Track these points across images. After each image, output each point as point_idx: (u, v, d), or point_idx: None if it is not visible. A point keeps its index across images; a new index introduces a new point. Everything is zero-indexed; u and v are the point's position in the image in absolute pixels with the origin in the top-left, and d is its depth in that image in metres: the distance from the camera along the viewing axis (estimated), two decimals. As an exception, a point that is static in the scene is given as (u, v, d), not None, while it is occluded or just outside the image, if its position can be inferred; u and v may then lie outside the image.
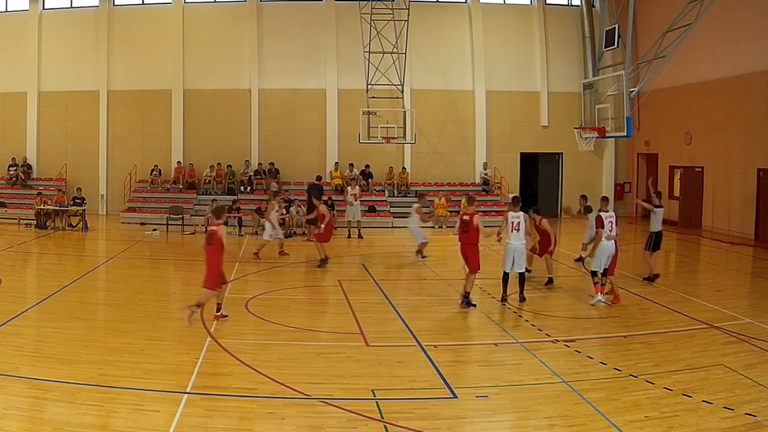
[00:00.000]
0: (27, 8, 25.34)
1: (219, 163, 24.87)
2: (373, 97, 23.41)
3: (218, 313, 10.06)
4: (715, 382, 7.57)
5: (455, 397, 7.20)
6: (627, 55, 18.79)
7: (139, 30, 25.39)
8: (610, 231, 11.28)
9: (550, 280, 13.22)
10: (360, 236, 20.32)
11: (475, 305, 11.25)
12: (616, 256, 11.48)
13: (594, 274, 11.41)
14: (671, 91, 22.56)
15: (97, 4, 25.41)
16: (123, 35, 25.35)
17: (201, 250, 10.02)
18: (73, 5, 25.77)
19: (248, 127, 25.43)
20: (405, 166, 25.56)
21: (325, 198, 21.40)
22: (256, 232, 20.61)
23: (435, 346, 8.95)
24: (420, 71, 25.31)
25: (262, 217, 20.57)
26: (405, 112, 23.92)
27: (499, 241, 11.90)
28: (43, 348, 8.51)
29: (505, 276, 11.56)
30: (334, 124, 25.44)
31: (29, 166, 25.14)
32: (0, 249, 16.91)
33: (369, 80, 23.36)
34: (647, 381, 7.58)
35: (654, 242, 13.27)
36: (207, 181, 24.73)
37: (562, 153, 26.15)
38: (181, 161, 25.03)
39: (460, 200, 22.25)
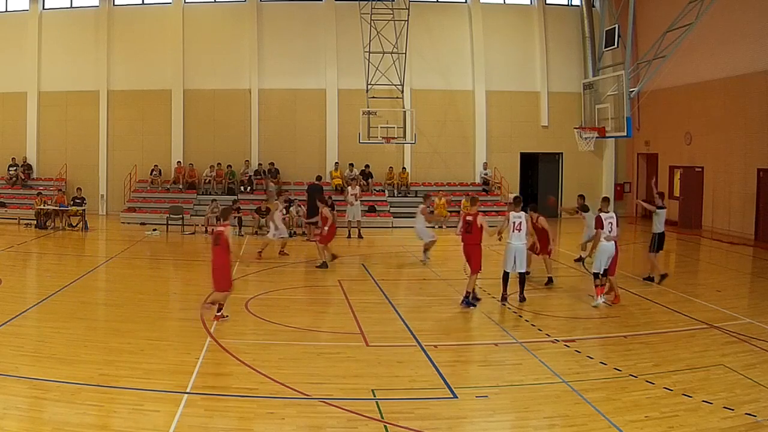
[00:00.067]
0: (27, 8, 25.34)
1: (219, 163, 24.87)
2: (373, 97, 23.41)
3: (218, 313, 10.07)
4: (715, 382, 7.57)
5: (455, 397, 7.20)
6: (627, 55, 18.78)
7: (139, 30, 25.39)
8: (610, 232, 11.27)
9: (550, 280, 13.23)
10: (360, 236, 20.32)
11: (475, 305, 11.26)
12: (616, 256, 11.47)
13: (596, 276, 11.39)
14: (671, 91, 22.56)
15: (97, 4, 25.40)
16: (123, 35, 25.36)
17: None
18: (73, 5, 25.77)
19: (248, 127, 25.43)
20: (405, 166, 25.56)
21: (325, 198, 21.41)
22: (256, 232, 20.63)
23: (435, 346, 8.95)
24: (420, 71, 25.31)
25: (262, 217, 20.62)
26: (405, 112, 23.92)
27: (499, 239, 11.90)
28: (43, 348, 8.51)
29: (505, 275, 11.57)
30: (334, 124, 25.44)
31: (29, 166, 25.14)
32: (0, 249, 16.91)
33: (369, 80, 23.36)
34: (647, 381, 7.58)
35: (658, 243, 13.22)
36: (207, 181, 24.73)
37: (562, 153, 26.16)
38: (181, 161, 25.03)
39: (460, 200, 22.60)
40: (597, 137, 20.29)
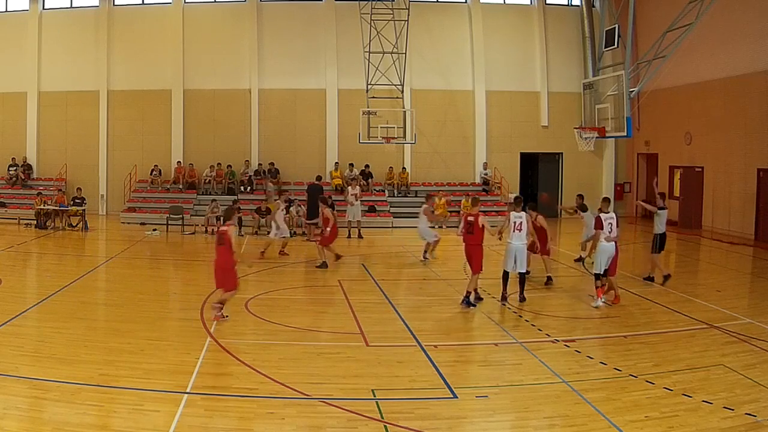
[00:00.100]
0: (27, 8, 25.34)
1: (219, 163, 24.88)
2: (373, 97, 23.41)
3: (218, 313, 10.07)
4: (715, 382, 7.57)
5: (455, 397, 7.20)
6: (627, 55, 18.79)
7: (139, 30, 25.39)
8: (610, 232, 11.27)
9: (549, 279, 13.24)
10: (360, 236, 20.32)
11: (475, 305, 11.26)
12: (616, 257, 11.46)
13: (597, 277, 11.38)
14: (671, 91, 22.57)
15: (97, 4, 25.41)
16: (123, 35, 25.36)
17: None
18: (73, 5, 25.78)
19: (248, 127, 25.43)
20: (405, 166, 25.57)
21: (321, 197, 21.40)
22: (256, 232, 20.62)
23: (435, 346, 8.95)
24: (420, 71, 25.31)
25: (262, 217, 20.62)
26: (405, 112, 23.93)
27: (500, 239, 11.89)
28: (43, 348, 8.51)
29: (505, 275, 11.58)
30: (334, 124, 25.45)
31: (29, 166, 25.14)
32: (0, 249, 16.91)
33: (369, 80, 23.36)
34: (647, 381, 7.58)
35: (659, 244, 13.19)
36: (207, 181, 24.74)
37: (562, 153, 26.16)
38: (181, 161, 25.03)
39: (460, 200, 22.59)
40: (597, 137, 20.30)
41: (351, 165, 24.67)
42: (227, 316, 10.13)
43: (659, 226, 13.23)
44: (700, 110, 22.14)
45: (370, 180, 24.67)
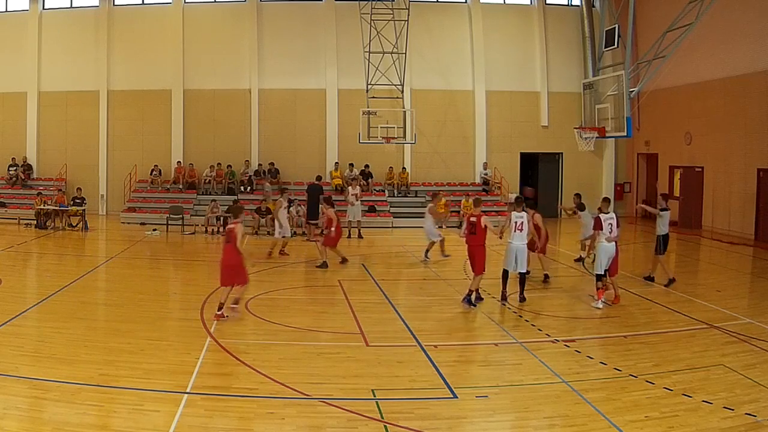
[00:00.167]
0: (27, 8, 25.35)
1: (219, 163, 24.88)
2: (373, 97, 23.41)
3: (219, 312, 10.09)
4: (715, 382, 7.57)
5: (455, 397, 7.20)
6: (627, 55, 18.78)
7: (139, 30, 25.40)
8: (610, 233, 11.27)
9: (546, 277, 13.27)
10: (360, 236, 20.32)
11: (475, 305, 11.26)
12: (616, 257, 11.47)
13: (599, 278, 11.36)
14: (671, 91, 22.57)
15: (97, 4, 25.41)
16: (123, 35, 25.36)
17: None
18: (73, 5, 25.78)
19: (248, 127, 25.43)
20: (405, 166, 25.57)
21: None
22: (256, 232, 20.62)
23: (435, 346, 8.95)
24: (420, 71, 25.31)
25: (263, 217, 20.62)
26: (405, 112, 23.92)
27: (500, 237, 11.89)
28: (43, 348, 8.51)
29: (505, 274, 11.58)
30: (334, 124, 25.45)
31: (29, 166, 25.14)
32: (0, 249, 16.91)
33: (369, 80, 23.36)
34: (647, 381, 7.58)
35: (663, 245, 13.16)
36: (207, 181, 24.74)
37: (562, 153, 26.16)
38: (181, 161, 25.03)
39: (460, 200, 22.58)
40: (597, 137, 20.29)
41: (351, 165, 24.67)
42: (227, 316, 10.13)
43: (662, 227, 13.19)
44: (700, 110, 22.14)
45: (370, 180, 24.67)
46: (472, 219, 11.36)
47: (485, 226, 11.22)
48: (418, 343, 9.14)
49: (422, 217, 23.05)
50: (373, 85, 23.40)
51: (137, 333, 9.38)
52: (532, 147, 26.27)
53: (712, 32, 20.06)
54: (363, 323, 10.14)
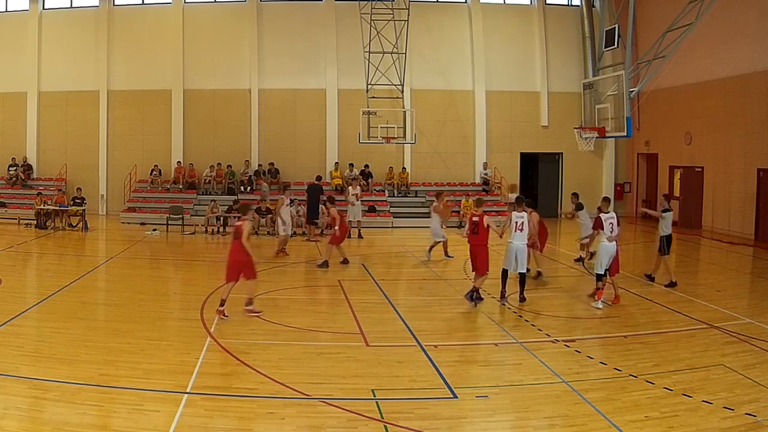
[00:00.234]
0: (27, 8, 25.35)
1: (219, 163, 24.88)
2: (373, 97, 23.41)
3: (221, 308, 10.12)
4: (715, 382, 7.57)
5: (455, 397, 7.20)
6: (627, 55, 18.77)
7: (139, 30, 25.40)
8: (611, 232, 11.26)
9: (539, 274, 13.29)
10: (360, 236, 20.31)
11: (475, 305, 11.28)
12: (617, 256, 11.46)
13: (599, 278, 11.35)
14: (671, 91, 22.56)
15: (97, 4, 25.41)
16: (123, 35, 25.37)
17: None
18: (73, 5, 25.78)
19: (248, 127, 25.43)
20: (405, 166, 25.57)
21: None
22: (256, 231, 20.58)
23: (435, 346, 8.95)
24: (420, 71, 25.31)
25: (262, 218, 20.62)
26: (405, 112, 23.92)
27: (501, 236, 11.89)
28: (43, 348, 8.51)
29: (504, 273, 11.59)
30: (334, 124, 25.45)
31: (29, 166, 25.14)
32: (0, 249, 16.91)
33: (369, 80, 23.36)
34: (647, 381, 7.58)
35: (667, 246, 13.09)
36: (207, 181, 24.74)
37: (562, 153, 26.16)
38: (181, 161, 25.03)
39: (459, 200, 22.58)
40: (597, 137, 20.28)
41: (351, 165, 24.67)
42: (227, 316, 10.13)
43: (664, 228, 13.16)
44: (700, 110, 22.14)
45: (370, 180, 24.67)
46: (475, 219, 11.39)
47: (487, 226, 11.27)
48: (418, 343, 9.14)
49: (421, 217, 23.33)
50: (373, 85, 23.40)
51: (137, 333, 9.38)
52: (532, 147, 26.28)
53: (712, 32, 20.06)
54: (363, 323, 10.14)
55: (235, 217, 21.00)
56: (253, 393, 7.24)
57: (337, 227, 15.11)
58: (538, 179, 26.76)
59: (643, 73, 18.81)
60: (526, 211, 11.85)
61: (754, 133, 19.80)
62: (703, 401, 6.94)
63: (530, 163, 26.65)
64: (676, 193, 23.55)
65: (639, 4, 21.39)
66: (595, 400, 6.98)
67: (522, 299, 11.51)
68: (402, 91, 24.11)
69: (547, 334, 9.66)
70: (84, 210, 21.61)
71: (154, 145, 25.33)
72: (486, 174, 25.51)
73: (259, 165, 25.09)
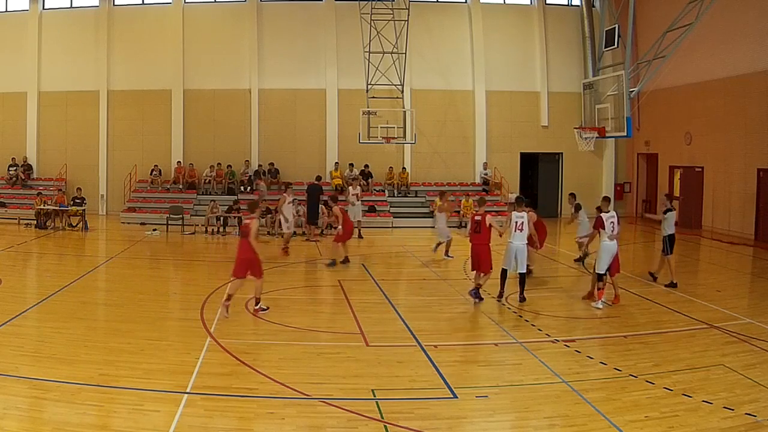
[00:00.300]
0: (27, 8, 25.35)
1: (219, 163, 24.88)
2: (373, 97, 23.40)
3: (227, 302, 10.18)
4: (715, 382, 7.57)
5: (455, 397, 7.20)
6: (627, 55, 18.78)
7: (139, 30, 25.40)
8: (612, 231, 11.26)
9: (529, 271, 13.32)
10: (360, 236, 20.31)
11: (477, 302, 11.30)
12: (617, 256, 11.46)
13: (600, 277, 11.34)
14: (671, 91, 22.56)
15: (97, 4, 25.41)
16: (123, 35, 25.37)
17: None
18: (73, 5, 25.78)
19: (248, 127, 25.43)
20: (405, 166, 25.57)
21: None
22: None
23: (435, 346, 8.95)
24: (420, 71, 25.31)
25: (262, 217, 20.61)
26: (405, 112, 23.92)
27: (500, 236, 11.90)
28: (43, 348, 8.51)
29: (504, 273, 11.59)
30: (334, 124, 25.45)
31: (29, 166, 25.14)
32: (0, 249, 16.91)
33: (369, 80, 23.36)
34: (647, 381, 7.57)
35: (670, 246, 13.07)
36: (207, 181, 24.74)
37: (562, 153, 26.16)
38: (181, 161, 25.03)
39: (460, 200, 22.56)
40: (597, 137, 20.29)
41: (351, 165, 24.67)
42: (228, 317, 10.13)
43: (667, 228, 13.16)
44: (700, 110, 22.14)
45: (370, 180, 24.67)
46: (477, 218, 11.42)
47: (490, 225, 11.29)
48: (418, 343, 9.14)
49: (422, 217, 23.34)
50: (373, 85, 23.40)
51: (137, 333, 9.38)
52: (532, 147, 26.27)
53: (712, 32, 20.06)
54: (363, 323, 10.14)
55: (235, 217, 21.13)
56: (253, 393, 7.24)
57: (340, 226, 15.13)
58: (538, 179, 26.76)
59: (643, 73, 18.81)
60: (525, 211, 11.85)
61: (754, 133, 19.80)
62: (703, 401, 6.94)
63: (530, 163, 26.65)
64: (676, 193, 23.55)
65: (639, 4, 21.39)
66: (595, 400, 6.98)
67: (522, 299, 11.51)
68: (402, 91, 24.11)
69: (547, 334, 9.66)
70: (84, 210, 21.61)
71: (154, 145, 25.33)
72: (486, 174, 25.51)
73: (259, 165, 25.09)
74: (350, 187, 21.37)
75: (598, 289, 11.36)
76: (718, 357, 8.51)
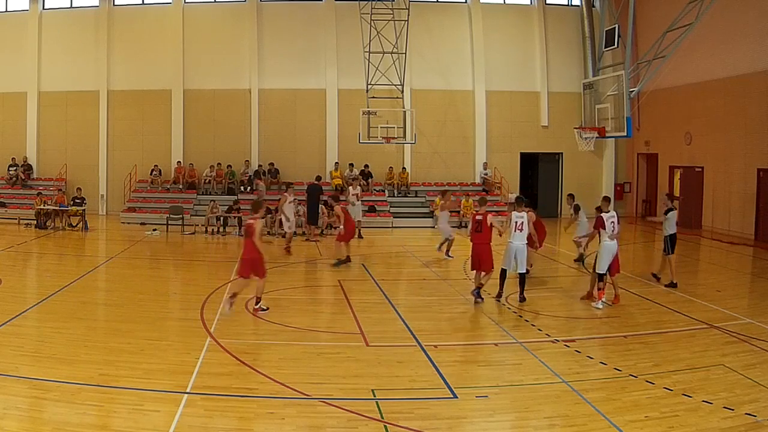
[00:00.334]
0: (27, 8, 25.35)
1: (219, 163, 24.88)
2: (373, 97, 23.41)
3: (232, 299, 10.25)
4: (715, 382, 7.57)
5: (455, 397, 7.20)
6: (627, 55, 18.78)
7: (139, 30, 25.40)
8: (613, 231, 11.26)
9: (527, 271, 13.35)
10: (360, 236, 20.30)
11: (482, 299, 11.33)
12: (617, 255, 11.45)
13: (600, 277, 11.34)
14: (671, 91, 22.56)
15: (97, 4, 25.42)
16: (123, 35, 25.37)
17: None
18: (73, 5, 25.78)
19: (248, 127, 25.43)
20: (405, 166, 25.57)
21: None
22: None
23: (435, 346, 8.95)
24: (420, 71, 25.31)
25: (262, 218, 20.60)
26: (405, 112, 23.92)
27: (500, 235, 11.90)
28: (43, 348, 8.51)
29: (503, 273, 11.59)
30: (334, 124, 25.45)
31: (29, 166, 25.15)
32: (0, 249, 16.91)
33: (369, 80, 23.36)
34: (647, 381, 7.57)
35: (671, 245, 13.07)
36: (207, 181, 24.74)
37: (562, 153, 26.16)
38: (181, 161, 25.03)
39: (460, 200, 22.55)
40: (597, 137, 20.28)
41: (351, 165, 24.67)
42: (230, 313, 10.16)
43: (668, 228, 13.15)
44: (700, 110, 22.14)
45: (370, 180, 24.67)
46: (478, 217, 11.43)
47: (491, 225, 11.30)
48: (418, 343, 9.14)
49: (421, 217, 23.36)
50: (373, 85, 23.40)
51: (137, 333, 9.38)
52: (532, 147, 26.28)
53: (712, 32, 20.06)
54: (363, 323, 10.14)
55: (235, 217, 21.13)
56: (253, 393, 7.24)
57: (342, 225, 15.14)
58: (538, 179, 26.76)
59: (643, 73, 18.81)
60: (525, 211, 11.85)
61: (754, 133, 19.80)
62: (703, 401, 6.94)
63: (530, 163, 26.65)
64: (676, 193, 23.54)
65: (639, 4, 21.39)
66: (595, 400, 6.98)
67: (522, 299, 11.51)
68: (402, 91, 24.11)
69: (547, 334, 9.66)
70: (84, 210, 21.61)
71: (154, 145, 25.33)
72: (486, 174, 25.51)
73: (259, 165, 25.09)
74: (350, 187, 21.37)
75: (599, 289, 11.35)
76: (718, 357, 8.51)
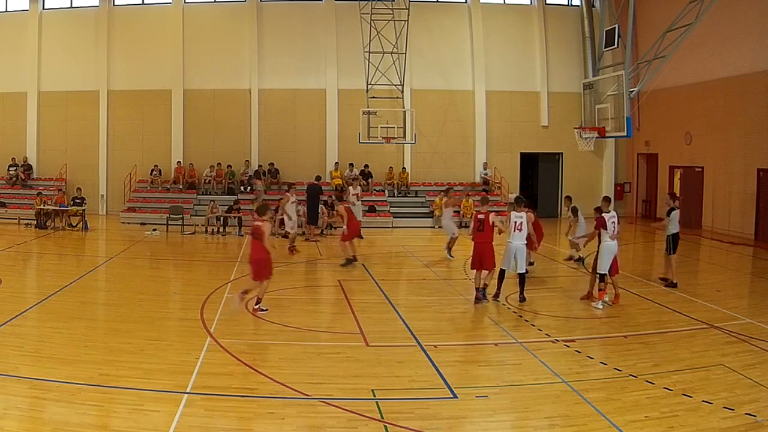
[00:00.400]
0: (27, 8, 25.35)
1: (219, 163, 24.88)
2: (373, 97, 23.41)
3: (243, 294, 10.40)
4: (715, 382, 7.57)
5: (455, 397, 7.20)
6: (627, 55, 18.77)
7: (139, 30, 25.40)
8: (614, 230, 11.26)
9: (526, 271, 13.35)
10: (360, 236, 20.27)
11: (486, 299, 11.34)
12: (617, 255, 11.45)
13: (602, 278, 11.32)
14: (671, 91, 22.56)
15: (97, 4, 25.41)
16: (123, 35, 25.37)
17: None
18: (73, 5, 25.78)
19: (248, 127, 25.43)
20: (405, 166, 25.57)
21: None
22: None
23: (435, 346, 8.95)
24: (420, 71, 25.31)
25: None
26: (405, 112, 23.92)
27: (499, 234, 11.90)
28: (43, 348, 8.51)
29: (502, 273, 11.60)
30: (334, 124, 25.45)
31: (29, 166, 25.14)
32: (0, 249, 16.91)
33: (369, 80, 23.36)
34: (647, 381, 7.57)
35: (673, 245, 13.04)
36: (207, 181, 24.74)
37: (562, 153, 26.16)
38: (181, 161, 25.03)
39: (460, 200, 22.53)
40: (597, 137, 20.28)
41: (351, 165, 24.67)
42: (239, 308, 10.25)
43: (671, 227, 13.15)
44: (700, 110, 22.14)
45: (370, 180, 24.67)
46: (480, 216, 11.43)
47: (493, 223, 11.30)
48: (418, 343, 9.14)
49: (422, 217, 23.35)
50: (373, 85, 23.40)
51: (137, 333, 9.38)
52: (532, 147, 26.28)
53: (712, 32, 20.06)
54: (363, 323, 10.14)
55: (235, 217, 21.14)
56: (253, 393, 7.24)
57: (345, 225, 15.14)
58: (538, 179, 26.76)
59: (643, 73, 18.81)
60: (524, 211, 11.85)
61: (754, 133, 19.80)
62: (703, 401, 6.94)
63: (530, 163, 26.65)
64: (676, 193, 23.54)
65: (639, 4, 21.40)
66: (595, 400, 6.98)
67: (522, 299, 11.51)
68: (402, 91, 24.11)
69: (547, 334, 9.66)
70: (84, 210, 21.61)
71: (154, 145, 25.33)
72: (486, 174, 25.50)
73: (259, 165, 25.08)
74: (350, 187, 21.38)
75: (600, 289, 11.35)
76: (718, 357, 8.51)
